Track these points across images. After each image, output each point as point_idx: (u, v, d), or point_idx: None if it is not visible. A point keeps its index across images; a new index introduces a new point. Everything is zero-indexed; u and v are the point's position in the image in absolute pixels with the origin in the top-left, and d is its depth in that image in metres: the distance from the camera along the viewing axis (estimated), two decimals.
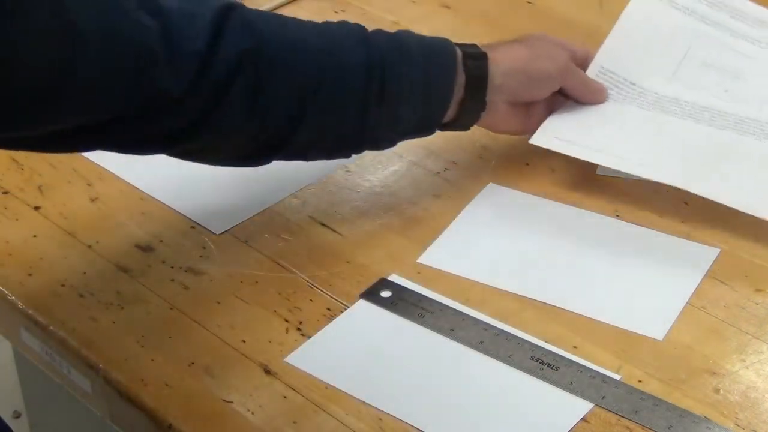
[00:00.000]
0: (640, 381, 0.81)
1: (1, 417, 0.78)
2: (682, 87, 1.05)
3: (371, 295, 0.88)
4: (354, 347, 0.85)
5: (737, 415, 0.78)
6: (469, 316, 0.86)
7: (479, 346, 0.83)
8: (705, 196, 0.92)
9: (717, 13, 1.12)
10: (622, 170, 0.97)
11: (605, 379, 0.80)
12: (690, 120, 1.01)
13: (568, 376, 0.81)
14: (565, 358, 0.82)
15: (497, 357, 0.82)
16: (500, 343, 0.83)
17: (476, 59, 0.93)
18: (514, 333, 0.84)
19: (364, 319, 0.86)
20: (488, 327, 0.85)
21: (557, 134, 1.00)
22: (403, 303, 0.87)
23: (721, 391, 0.80)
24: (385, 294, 0.88)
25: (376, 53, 0.88)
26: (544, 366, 0.81)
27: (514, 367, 0.82)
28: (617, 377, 0.81)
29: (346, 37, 0.90)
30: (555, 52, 0.99)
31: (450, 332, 0.85)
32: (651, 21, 1.10)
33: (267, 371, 0.82)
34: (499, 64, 0.94)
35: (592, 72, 1.05)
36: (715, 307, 0.87)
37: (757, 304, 0.88)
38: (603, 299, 0.88)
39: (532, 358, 0.82)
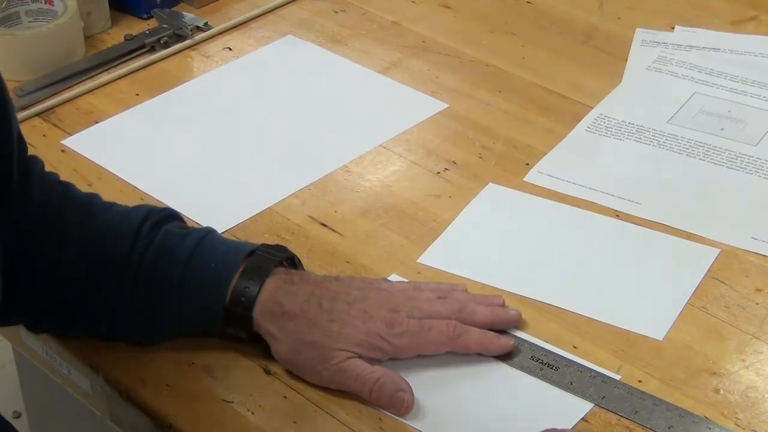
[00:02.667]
0: (640, 381, 0.81)
1: (2, 415, 0.78)
2: (680, 128, 1.06)
3: None
4: None
5: (737, 415, 0.78)
6: None
7: None
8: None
9: (718, 64, 1.15)
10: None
11: (605, 379, 0.80)
12: (684, 154, 1.03)
13: (568, 376, 0.81)
14: (565, 358, 0.82)
15: (498, 357, 0.82)
16: None
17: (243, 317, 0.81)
18: (514, 333, 0.84)
19: None
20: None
21: (550, 172, 1.01)
22: None
23: (721, 391, 0.80)
24: None
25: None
26: (544, 366, 0.81)
27: (514, 366, 0.82)
28: (617, 377, 0.81)
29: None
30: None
31: None
32: (650, 82, 1.14)
33: (267, 371, 0.82)
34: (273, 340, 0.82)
35: (588, 119, 1.07)
36: (715, 307, 0.87)
37: (757, 304, 0.88)
38: (603, 299, 0.88)
39: (532, 358, 0.82)
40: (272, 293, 0.81)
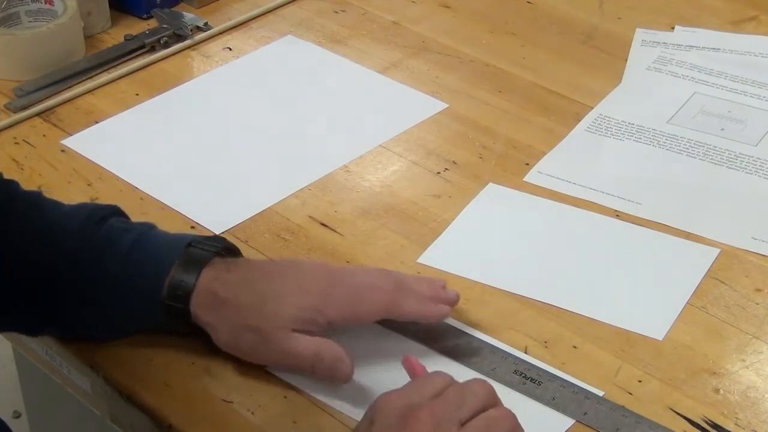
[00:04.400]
0: (640, 381, 0.81)
1: (1, 418, 0.78)
2: (680, 128, 1.06)
3: None
4: None
5: (737, 415, 0.78)
6: (455, 327, 0.85)
7: (463, 358, 0.82)
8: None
9: (718, 64, 1.15)
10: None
11: (588, 395, 0.79)
12: (684, 155, 1.03)
13: (550, 391, 0.80)
14: (549, 372, 0.81)
15: (480, 370, 0.81)
16: (484, 356, 0.82)
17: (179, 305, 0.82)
18: (499, 346, 0.83)
19: (346, 331, 0.84)
20: (473, 339, 0.84)
21: (550, 172, 1.01)
22: None
23: (721, 391, 0.80)
24: None
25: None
26: (527, 380, 0.80)
27: (497, 380, 0.80)
28: (600, 393, 0.80)
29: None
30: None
31: (434, 344, 0.83)
32: (650, 82, 1.14)
33: (267, 371, 0.82)
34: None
35: (588, 119, 1.07)
36: (715, 307, 0.87)
37: (757, 304, 0.88)
38: (603, 299, 0.88)
39: (515, 372, 0.81)
40: (207, 284, 0.81)
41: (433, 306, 0.82)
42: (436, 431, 0.68)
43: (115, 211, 0.86)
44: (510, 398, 0.79)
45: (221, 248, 0.84)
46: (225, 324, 0.81)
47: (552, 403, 0.79)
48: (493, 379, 0.80)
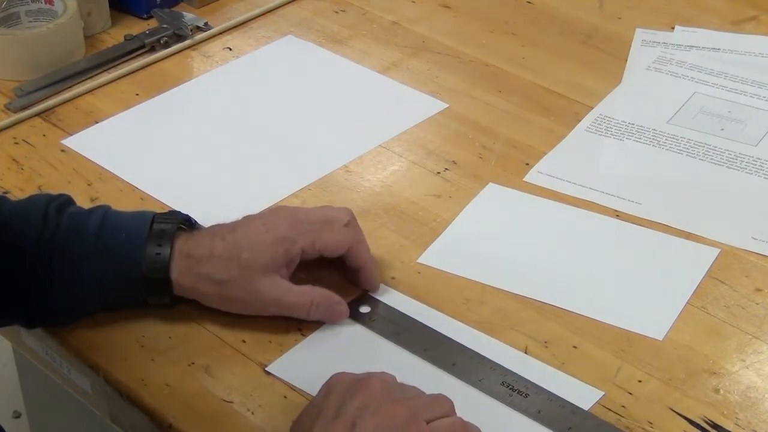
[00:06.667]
0: (639, 381, 0.81)
1: None
2: (680, 128, 1.07)
3: (350, 309, 0.86)
4: (326, 364, 0.81)
5: (737, 415, 0.78)
6: (445, 336, 0.84)
7: (451, 368, 0.81)
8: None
9: (718, 64, 1.15)
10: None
11: (574, 409, 0.78)
12: (684, 155, 1.03)
13: (536, 404, 0.78)
14: (537, 385, 0.80)
15: (467, 381, 0.80)
16: (473, 366, 0.81)
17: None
18: (489, 357, 0.82)
19: (340, 334, 0.85)
20: (463, 349, 0.83)
21: (550, 172, 1.01)
22: (381, 319, 0.86)
23: (721, 391, 0.80)
24: (364, 309, 0.87)
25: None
26: (513, 392, 0.79)
27: (483, 391, 0.79)
28: (586, 407, 0.79)
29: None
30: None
31: (423, 352, 0.83)
32: (650, 82, 1.14)
33: (267, 371, 0.82)
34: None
35: (588, 119, 1.07)
36: (715, 307, 0.87)
37: (757, 304, 0.88)
38: (603, 299, 0.88)
39: (503, 383, 0.80)
40: (181, 248, 0.84)
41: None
42: (388, 396, 0.72)
43: (69, 200, 0.88)
44: (495, 411, 0.78)
45: (180, 220, 0.87)
46: (208, 282, 0.84)
47: (538, 416, 0.78)
48: (480, 390, 0.80)
